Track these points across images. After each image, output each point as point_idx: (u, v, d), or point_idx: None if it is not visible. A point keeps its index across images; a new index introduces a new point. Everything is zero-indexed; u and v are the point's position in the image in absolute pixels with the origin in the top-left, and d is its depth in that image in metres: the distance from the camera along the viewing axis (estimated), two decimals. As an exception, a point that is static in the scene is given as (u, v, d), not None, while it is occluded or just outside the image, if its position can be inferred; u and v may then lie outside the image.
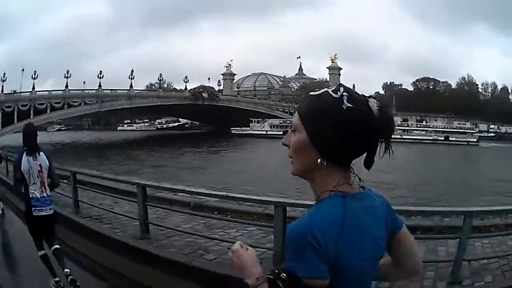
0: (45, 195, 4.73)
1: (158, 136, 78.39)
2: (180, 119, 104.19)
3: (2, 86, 59.93)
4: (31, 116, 59.30)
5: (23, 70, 67.30)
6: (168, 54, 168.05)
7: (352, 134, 1.17)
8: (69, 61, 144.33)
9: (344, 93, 1.18)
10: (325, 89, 1.24)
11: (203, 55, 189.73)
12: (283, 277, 1.12)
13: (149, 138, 75.48)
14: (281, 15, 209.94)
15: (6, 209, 9.19)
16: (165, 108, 79.02)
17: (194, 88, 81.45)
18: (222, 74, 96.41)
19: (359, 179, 1.26)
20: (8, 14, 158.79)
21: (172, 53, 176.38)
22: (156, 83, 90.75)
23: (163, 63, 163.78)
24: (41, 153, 4.79)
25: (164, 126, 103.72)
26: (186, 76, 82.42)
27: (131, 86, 70.95)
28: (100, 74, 67.60)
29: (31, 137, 4.81)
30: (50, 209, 4.79)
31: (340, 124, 1.17)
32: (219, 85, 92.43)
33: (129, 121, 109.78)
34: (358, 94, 1.22)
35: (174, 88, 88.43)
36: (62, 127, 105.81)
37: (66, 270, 4.68)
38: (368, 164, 1.23)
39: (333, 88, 1.22)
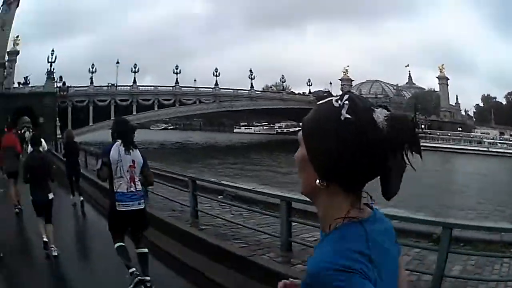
0: (133, 190, 4.61)
1: (282, 141, 71.31)
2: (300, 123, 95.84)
3: (91, 78, 57.44)
4: (134, 112, 53.05)
5: (117, 63, 63.89)
6: (272, 56, 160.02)
7: (351, 150, 0.96)
8: (167, 58, 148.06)
9: (346, 102, 1.00)
10: (330, 98, 1.05)
11: (309, 58, 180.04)
12: None
13: (271, 142, 72.84)
14: (385, 21, 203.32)
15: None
16: (286, 112, 73.46)
17: (314, 92, 76.73)
18: (340, 80, 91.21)
19: (370, 197, 1.06)
20: (100, 8, 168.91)
21: (276, 55, 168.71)
22: (273, 85, 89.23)
23: (268, 64, 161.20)
24: (136, 149, 4.71)
25: (284, 130, 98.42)
26: (309, 79, 78.60)
27: (251, 86, 67.10)
28: (216, 72, 64.01)
29: (128, 132, 4.77)
30: (139, 204, 4.66)
31: (337, 138, 0.97)
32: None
33: (245, 123, 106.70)
34: (366, 103, 1.01)
35: (292, 91, 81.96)
36: (169, 126, 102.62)
37: (147, 278, 4.60)
38: (387, 191, 1.00)
39: (338, 96, 1.04)
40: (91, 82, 56.73)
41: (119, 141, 4.65)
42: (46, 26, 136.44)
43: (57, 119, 49.46)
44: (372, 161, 0.97)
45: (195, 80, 66.03)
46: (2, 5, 54.81)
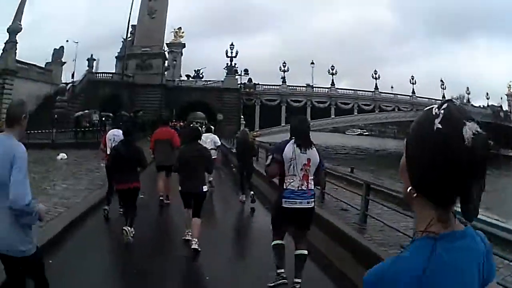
0: (304, 188, 4.54)
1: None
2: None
3: (283, 77, 56.51)
4: (332, 116, 52.88)
5: (312, 63, 62.73)
6: (452, 68, 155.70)
7: (438, 161, 0.95)
8: (356, 63, 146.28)
9: (442, 111, 0.97)
10: (432, 105, 1.03)
11: (479, 71, 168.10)
12: None
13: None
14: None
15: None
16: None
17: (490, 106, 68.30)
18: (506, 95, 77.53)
19: (455, 216, 1.03)
20: (289, 10, 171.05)
21: (452, 66, 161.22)
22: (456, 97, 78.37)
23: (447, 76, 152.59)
24: (313, 148, 4.66)
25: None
26: (487, 93, 70.00)
27: (443, 97, 60.68)
28: (413, 79, 60.86)
29: (305, 132, 4.72)
30: (308, 203, 4.59)
31: (428, 149, 0.96)
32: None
33: None
34: (463, 114, 0.97)
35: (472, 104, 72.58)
36: (364, 132, 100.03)
37: (297, 280, 4.55)
38: (466, 210, 0.97)
39: (439, 104, 1.00)
40: (283, 81, 56.05)
41: (293, 139, 4.61)
42: (219, 24, 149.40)
43: (242, 117, 48.54)
44: (455, 176, 0.93)
45: (392, 87, 62.62)
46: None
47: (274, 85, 56.36)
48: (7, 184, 2.67)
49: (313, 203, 4.64)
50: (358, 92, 58.61)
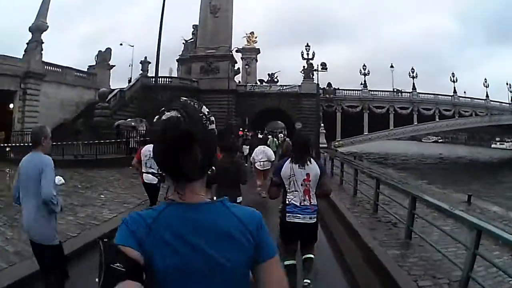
0: (307, 203, 4.58)
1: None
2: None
3: (364, 81, 50.67)
4: (415, 122, 47.13)
5: (392, 67, 56.64)
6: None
7: (154, 150, 1.30)
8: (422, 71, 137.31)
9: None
10: None
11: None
12: (105, 241, 1.18)
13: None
14: None
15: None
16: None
17: None
18: None
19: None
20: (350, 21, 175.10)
21: None
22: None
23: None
24: (313, 162, 4.68)
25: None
26: None
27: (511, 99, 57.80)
28: (485, 82, 55.89)
29: (301, 148, 4.77)
30: (310, 218, 4.59)
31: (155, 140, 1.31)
32: None
33: (498, 138, 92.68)
34: (168, 106, 1.30)
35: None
36: (439, 139, 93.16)
37: (307, 280, 4.69)
38: (184, 174, 1.28)
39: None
40: (364, 85, 50.43)
41: (291, 157, 4.70)
42: (293, 35, 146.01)
43: (322, 125, 42.79)
44: (163, 156, 1.27)
45: (464, 92, 55.99)
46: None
47: (355, 90, 50.40)
48: (38, 186, 3.75)
49: (315, 219, 4.60)
50: (439, 96, 52.39)
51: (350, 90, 50.46)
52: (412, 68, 53.23)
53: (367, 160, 36.25)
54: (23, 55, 29.86)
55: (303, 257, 4.77)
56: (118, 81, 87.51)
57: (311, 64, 45.00)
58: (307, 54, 45.24)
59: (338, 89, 49.22)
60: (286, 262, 4.60)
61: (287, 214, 4.57)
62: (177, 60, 53.74)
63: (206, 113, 1.30)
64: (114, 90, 37.25)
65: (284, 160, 4.78)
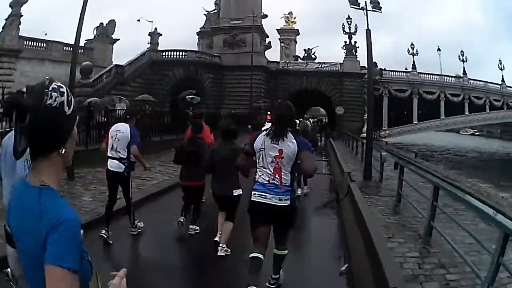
0: (276, 182, 4.07)
1: None
2: None
3: (413, 62, 44.03)
4: (466, 112, 43.26)
5: (439, 49, 50.10)
6: None
7: None
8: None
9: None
10: None
11: None
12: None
13: None
14: None
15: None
16: None
17: None
18: None
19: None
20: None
21: None
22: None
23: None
24: (289, 137, 4.09)
25: None
26: None
27: None
28: None
29: (280, 120, 4.19)
30: (280, 200, 4.06)
31: None
32: None
33: None
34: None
35: None
36: (476, 132, 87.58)
37: (276, 276, 4.46)
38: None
39: None
40: (413, 66, 43.60)
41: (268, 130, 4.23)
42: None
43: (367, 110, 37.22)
44: None
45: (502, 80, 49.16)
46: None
47: (403, 71, 43.68)
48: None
49: (288, 201, 4.08)
50: (489, 84, 46.12)
51: (398, 71, 43.75)
52: (462, 51, 47.09)
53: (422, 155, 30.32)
54: (0, 32, 26.64)
55: (274, 251, 4.31)
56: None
57: (355, 42, 38.77)
58: (349, 28, 37.98)
59: (385, 69, 42.20)
60: (250, 254, 4.11)
61: (253, 192, 4.15)
62: (197, 34, 47.67)
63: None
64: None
65: (260, 132, 4.37)
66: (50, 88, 1.27)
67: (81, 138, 12.51)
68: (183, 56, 37.43)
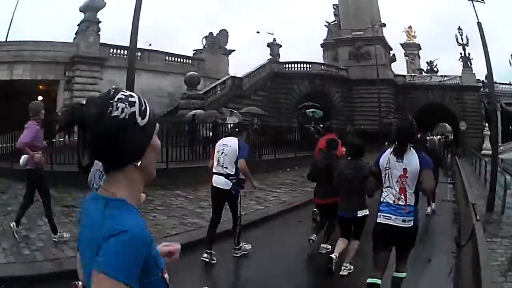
0: (401, 203, 3.97)
1: None
2: None
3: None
4: None
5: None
6: None
7: None
8: None
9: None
10: None
11: None
12: None
13: None
14: None
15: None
16: None
17: None
18: None
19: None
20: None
21: None
22: None
23: None
24: (412, 153, 4.01)
25: None
26: None
27: None
28: None
29: (400, 134, 4.11)
30: (403, 221, 3.95)
31: None
32: None
33: None
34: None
35: None
36: None
37: None
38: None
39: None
40: None
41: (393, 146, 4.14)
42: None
43: (486, 125, 33.98)
44: None
45: None
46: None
47: (510, 84, 41.35)
48: None
49: (411, 223, 3.96)
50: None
51: (506, 84, 41.20)
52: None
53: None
54: (74, 38, 25.66)
55: (393, 275, 4.20)
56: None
57: (469, 54, 37.80)
58: (461, 39, 37.73)
59: (497, 82, 38.94)
60: (368, 280, 4.09)
61: (379, 214, 4.11)
62: (321, 45, 49.25)
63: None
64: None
65: (384, 150, 4.32)
66: (116, 99, 1.15)
67: (183, 154, 11.93)
68: (307, 69, 36.45)
